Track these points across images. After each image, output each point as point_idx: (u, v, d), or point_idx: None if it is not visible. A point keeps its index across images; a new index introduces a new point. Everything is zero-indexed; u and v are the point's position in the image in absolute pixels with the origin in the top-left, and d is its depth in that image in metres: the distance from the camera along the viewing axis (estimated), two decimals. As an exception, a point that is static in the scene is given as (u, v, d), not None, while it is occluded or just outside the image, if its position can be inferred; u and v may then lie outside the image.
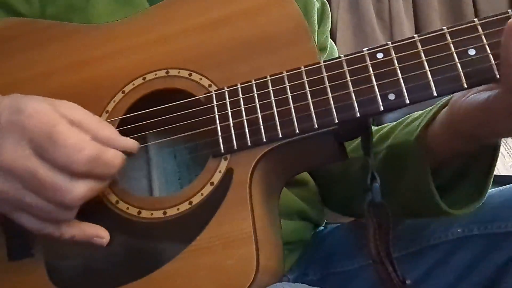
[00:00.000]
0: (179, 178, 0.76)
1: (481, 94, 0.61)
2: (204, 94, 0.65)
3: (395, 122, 0.80)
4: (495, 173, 0.72)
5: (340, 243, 0.89)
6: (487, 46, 0.57)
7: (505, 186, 0.79)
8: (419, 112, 0.76)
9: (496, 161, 0.70)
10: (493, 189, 0.79)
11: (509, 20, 0.54)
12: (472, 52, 0.57)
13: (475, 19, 0.58)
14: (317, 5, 0.94)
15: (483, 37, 0.57)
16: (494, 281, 0.73)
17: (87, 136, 0.58)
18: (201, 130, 0.64)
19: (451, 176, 0.73)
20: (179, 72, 0.67)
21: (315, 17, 0.93)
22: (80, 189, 0.57)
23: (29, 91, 0.70)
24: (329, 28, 0.99)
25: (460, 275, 0.76)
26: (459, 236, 0.78)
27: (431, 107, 0.72)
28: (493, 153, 0.69)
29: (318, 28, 0.95)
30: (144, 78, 0.68)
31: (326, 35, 0.97)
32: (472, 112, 0.62)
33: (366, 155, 0.66)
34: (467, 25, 0.58)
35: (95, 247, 0.62)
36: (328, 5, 0.97)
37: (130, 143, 0.63)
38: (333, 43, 1.00)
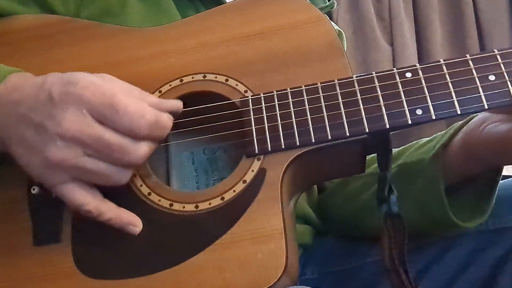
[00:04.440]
0: (196, 182, 0.78)
1: (501, 125, 0.68)
2: (240, 98, 0.69)
3: (402, 148, 0.86)
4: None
5: (337, 242, 0.92)
6: (505, 74, 0.63)
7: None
8: (427, 139, 0.81)
9: (499, 179, 0.76)
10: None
11: None
12: (492, 77, 0.64)
13: (495, 49, 0.65)
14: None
15: (502, 65, 0.64)
16: (490, 277, 0.77)
17: (145, 103, 0.61)
18: (236, 130, 0.67)
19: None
20: (216, 77, 0.71)
21: None
22: (143, 149, 0.61)
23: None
24: None
25: (457, 271, 0.80)
26: (454, 233, 0.81)
27: (442, 132, 0.78)
28: (497, 172, 0.75)
29: None
30: (181, 80, 0.71)
31: None
32: (493, 141, 0.69)
33: (384, 169, 0.71)
34: (488, 54, 0.65)
35: (126, 235, 0.64)
36: (344, 36, 1.01)
37: (175, 102, 0.67)
38: None
